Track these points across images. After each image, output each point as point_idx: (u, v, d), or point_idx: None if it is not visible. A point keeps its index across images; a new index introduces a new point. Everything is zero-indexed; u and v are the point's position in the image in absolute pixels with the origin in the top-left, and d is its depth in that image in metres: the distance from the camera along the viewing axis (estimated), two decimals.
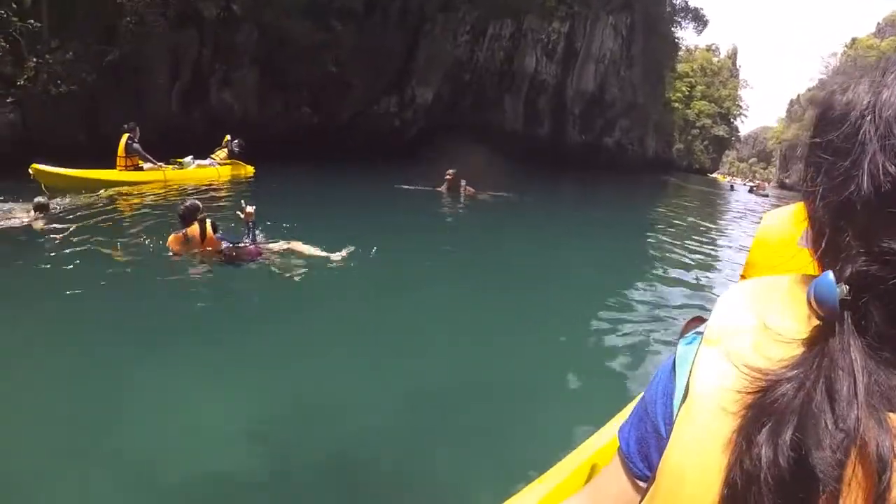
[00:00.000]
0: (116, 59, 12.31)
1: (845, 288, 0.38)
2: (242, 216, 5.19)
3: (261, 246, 5.22)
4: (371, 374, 3.57)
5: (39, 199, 6.43)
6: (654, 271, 7.18)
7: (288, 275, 4.96)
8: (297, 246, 5.40)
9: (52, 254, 5.18)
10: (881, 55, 0.46)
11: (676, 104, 50.05)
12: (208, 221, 4.87)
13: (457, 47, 19.99)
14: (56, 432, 2.68)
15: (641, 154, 34.48)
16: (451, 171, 10.60)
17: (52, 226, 6.07)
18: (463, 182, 10.54)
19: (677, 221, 13.33)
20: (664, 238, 10.26)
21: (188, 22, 13.55)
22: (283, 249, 5.35)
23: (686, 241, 9.69)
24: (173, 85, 13.83)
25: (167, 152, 10.29)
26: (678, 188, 28.93)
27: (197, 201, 5.02)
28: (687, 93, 54.66)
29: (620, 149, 31.04)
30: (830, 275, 0.39)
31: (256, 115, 15.02)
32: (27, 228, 6.04)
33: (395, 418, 3.05)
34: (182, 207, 4.93)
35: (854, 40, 58.10)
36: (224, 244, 4.94)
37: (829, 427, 0.36)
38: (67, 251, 5.25)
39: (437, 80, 19.51)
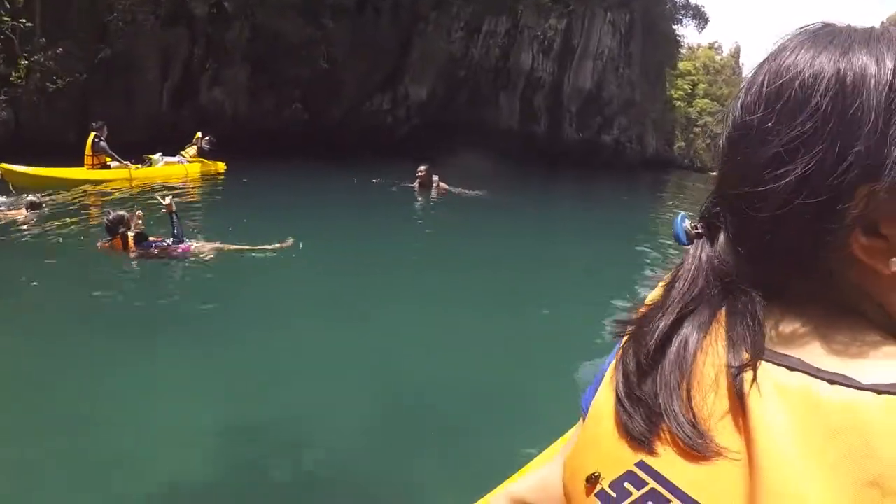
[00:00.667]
0: (108, 56, 12.44)
1: (700, 224, 0.47)
2: (164, 210, 5.37)
3: (191, 245, 5.37)
4: (337, 371, 3.59)
5: (31, 197, 6.61)
6: (640, 268, 7.15)
7: (227, 271, 5.12)
8: (230, 246, 5.56)
9: (36, 251, 5.33)
10: None
11: (678, 102, 49.74)
12: (130, 234, 5.04)
13: (451, 44, 19.96)
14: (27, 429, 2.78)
15: (640, 152, 34.26)
16: (422, 167, 10.47)
17: (42, 223, 6.26)
18: (435, 178, 10.38)
19: (668, 216, 13.28)
20: (653, 234, 10.20)
21: (179, 20, 13.65)
22: (216, 248, 5.48)
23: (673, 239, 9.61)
24: (164, 83, 13.93)
25: (155, 150, 10.36)
26: (675, 185, 28.80)
27: (122, 213, 5.19)
28: (689, 91, 54.31)
29: (619, 146, 30.86)
30: (680, 217, 0.49)
31: (247, 113, 15.09)
32: (16, 225, 6.15)
33: (365, 416, 3.07)
34: (107, 220, 5.08)
35: None
36: (143, 248, 5.11)
37: (660, 317, 0.45)
38: (45, 248, 5.41)
39: (431, 77, 19.49)
